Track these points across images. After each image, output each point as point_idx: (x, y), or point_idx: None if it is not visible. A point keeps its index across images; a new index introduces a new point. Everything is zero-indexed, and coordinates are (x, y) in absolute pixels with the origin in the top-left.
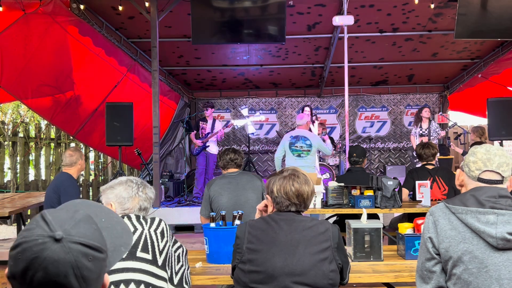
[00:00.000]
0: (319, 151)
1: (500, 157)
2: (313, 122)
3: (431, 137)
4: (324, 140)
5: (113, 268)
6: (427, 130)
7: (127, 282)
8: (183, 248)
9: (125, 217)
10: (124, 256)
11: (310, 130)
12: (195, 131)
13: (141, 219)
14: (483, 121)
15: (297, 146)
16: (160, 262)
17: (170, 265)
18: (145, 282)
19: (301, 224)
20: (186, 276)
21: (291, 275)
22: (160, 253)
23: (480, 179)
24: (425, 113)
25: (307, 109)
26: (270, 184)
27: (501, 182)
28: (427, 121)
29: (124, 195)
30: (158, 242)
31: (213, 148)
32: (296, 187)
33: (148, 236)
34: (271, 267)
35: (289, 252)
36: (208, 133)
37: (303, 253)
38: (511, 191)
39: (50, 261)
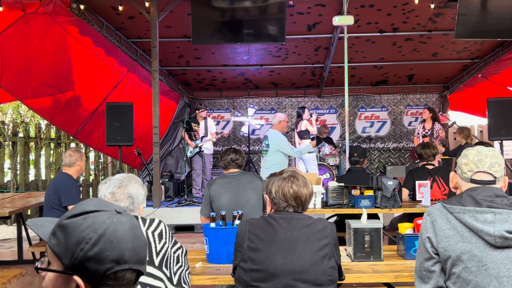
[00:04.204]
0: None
1: (492, 157)
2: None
3: (434, 138)
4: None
5: None
6: (430, 130)
7: None
8: (183, 249)
9: None
10: None
11: (299, 130)
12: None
13: (139, 220)
14: (483, 121)
15: (262, 145)
16: (157, 263)
17: (168, 265)
18: (141, 282)
19: (300, 222)
20: (184, 276)
21: (292, 273)
22: (157, 254)
23: (472, 180)
24: (424, 114)
25: (306, 110)
26: (269, 184)
27: (493, 182)
28: (431, 121)
29: (103, 195)
30: (155, 243)
31: (208, 149)
32: (294, 189)
33: (145, 237)
34: (271, 265)
35: (289, 250)
36: (203, 137)
37: (303, 250)
38: (506, 190)
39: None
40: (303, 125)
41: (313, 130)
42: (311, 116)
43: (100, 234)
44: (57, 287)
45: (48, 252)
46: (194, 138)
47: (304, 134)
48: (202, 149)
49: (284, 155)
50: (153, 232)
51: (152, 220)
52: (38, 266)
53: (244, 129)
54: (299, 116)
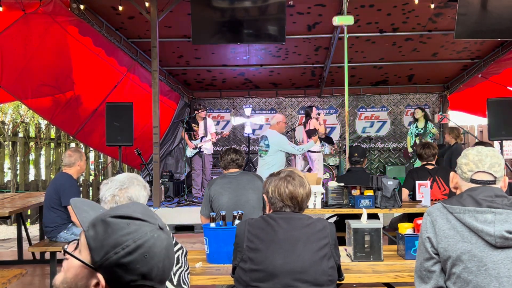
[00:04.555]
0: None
1: (492, 157)
2: (317, 119)
3: (426, 137)
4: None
5: None
6: (423, 129)
7: None
8: (183, 249)
9: None
10: None
11: (308, 129)
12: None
13: None
14: (483, 121)
15: (259, 146)
16: None
17: None
18: None
19: (300, 222)
20: (184, 276)
21: (292, 273)
22: None
23: (472, 180)
24: (416, 113)
25: (313, 109)
26: (266, 184)
27: (494, 182)
28: (423, 120)
29: (103, 196)
30: None
31: (207, 149)
32: (290, 189)
33: None
34: (271, 265)
35: (288, 250)
36: (202, 137)
37: (303, 250)
38: (506, 190)
39: (168, 245)
40: (312, 124)
41: (321, 128)
42: (318, 115)
43: (138, 244)
44: (78, 276)
45: (81, 239)
46: (193, 138)
47: (312, 133)
48: (201, 149)
49: (284, 155)
50: None
51: None
52: (67, 250)
53: (247, 130)
54: (308, 115)
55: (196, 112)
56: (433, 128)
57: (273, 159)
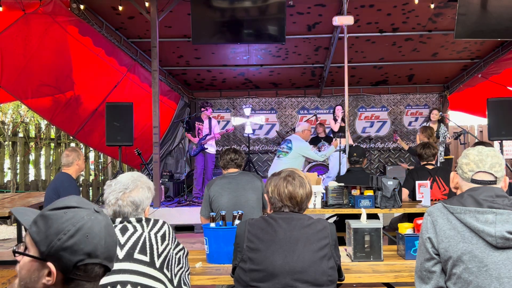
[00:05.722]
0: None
1: (492, 157)
2: (335, 120)
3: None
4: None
5: None
6: (436, 132)
7: (123, 283)
8: (184, 250)
9: (124, 221)
10: (121, 257)
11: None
12: (191, 132)
13: (143, 222)
14: (483, 121)
15: (281, 148)
16: (158, 264)
17: (170, 267)
18: (142, 284)
19: (300, 222)
20: (184, 277)
21: (292, 273)
22: (159, 255)
23: (473, 180)
24: (433, 116)
25: (339, 107)
26: (267, 184)
27: (494, 182)
28: (436, 123)
29: (107, 199)
30: (157, 244)
31: (211, 148)
32: (289, 189)
33: (147, 239)
34: (271, 265)
35: (288, 250)
36: (207, 135)
37: (303, 250)
38: (506, 190)
39: (107, 225)
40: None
41: (336, 126)
42: (336, 119)
43: (78, 227)
44: (30, 271)
45: (27, 239)
46: (197, 137)
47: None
48: (206, 147)
49: (303, 164)
50: (156, 234)
51: (156, 221)
52: (16, 250)
53: (247, 130)
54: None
55: (202, 109)
56: (447, 133)
57: (293, 163)
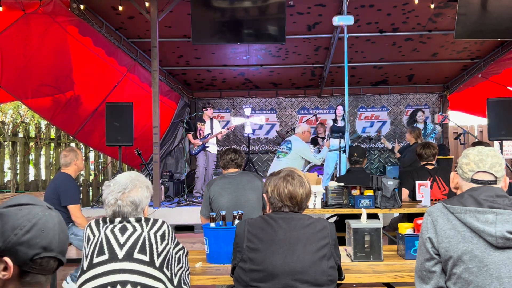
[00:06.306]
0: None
1: (492, 157)
2: (335, 120)
3: (428, 138)
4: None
5: (110, 269)
6: (423, 130)
7: (123, 283)
8: (184, 250)
9: (124, 221)
10: (121, 257)
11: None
12: (192, 132)
13: (142, 221)
14: (483, 121)
15: (280, 148)
16: (157, 264)
17: (170, 267)
18: (141, 283)
19: (300, 222)
20: (184, 277)
21: (291, 273)
22: (159, 255)
23: (473, 180)
24: (419, 117)
25: (340, 107)
26: (266, 184)
27: (494, 182)
28: (423, 123)
29: (105, 199)
30: (157, 244)
31: (212, 148)
32: (289, 189)
33: (147, 238)
34: (271, 266)
35: (288, 250)
36: (208, 134)
37: (303, 250)
38: (507, 190)
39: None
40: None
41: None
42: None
43: (34, 223)
44: None
45: None
46: (198, 138)
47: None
48: (207, 145)
49: (303, 165)
50: (155, 233)
51: (155, 221)
52: None
53: (247, 130)
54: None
55: (204, 110)
56: (432, 126)
57: (290, 164)
